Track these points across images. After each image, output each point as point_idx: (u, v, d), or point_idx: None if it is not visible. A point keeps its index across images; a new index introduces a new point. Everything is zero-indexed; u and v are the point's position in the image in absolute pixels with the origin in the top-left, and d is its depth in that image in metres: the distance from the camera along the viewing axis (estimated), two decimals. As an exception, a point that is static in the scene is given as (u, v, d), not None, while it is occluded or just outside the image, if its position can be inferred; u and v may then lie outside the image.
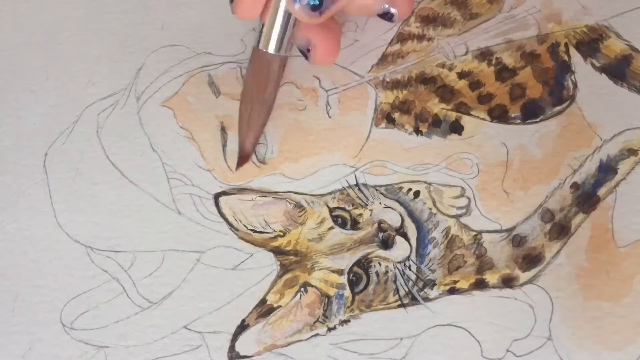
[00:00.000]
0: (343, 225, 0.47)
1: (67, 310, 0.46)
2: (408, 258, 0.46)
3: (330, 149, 0.50)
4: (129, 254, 0.47)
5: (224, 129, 0.50)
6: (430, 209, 0.48)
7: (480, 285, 0.46)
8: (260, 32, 0.47)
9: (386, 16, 0.47)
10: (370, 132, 0.50)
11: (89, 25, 0.55)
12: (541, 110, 0.50)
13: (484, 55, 0.52)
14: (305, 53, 0.47)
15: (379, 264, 0.46)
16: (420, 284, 0.46)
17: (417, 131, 0.50)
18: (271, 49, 0.47)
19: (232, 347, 0.45)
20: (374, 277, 0.46)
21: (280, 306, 0.46)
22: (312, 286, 0.46)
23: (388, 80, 0.52)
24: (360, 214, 0.47)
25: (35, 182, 0.50)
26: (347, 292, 0.46)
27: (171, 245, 0.47)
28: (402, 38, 0.53)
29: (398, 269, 0.46)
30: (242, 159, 0.49)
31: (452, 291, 0.45)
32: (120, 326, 0.46)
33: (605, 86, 0.51)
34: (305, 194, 0.48)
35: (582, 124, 0.50)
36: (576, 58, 0.52)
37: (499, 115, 0.50)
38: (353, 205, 0.48)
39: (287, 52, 0.48)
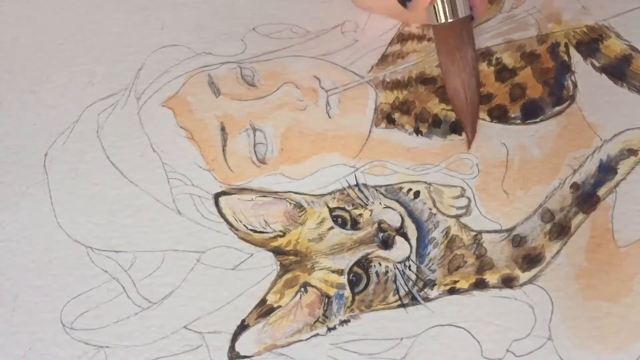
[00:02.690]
0: (343, 225, 0.47)
1: (67, 310, 0.46)
2: (408, 258, 0.46)
3: (330, 149, 0.50)
4: (129, 254, 0.47)
5: (224, 129, 0.50)
6: (430, 209, 0.48)
7: (480, 285, 0.46)
8: (437, 7, 0.48)
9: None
10: (370, 132, 0.50)
11: (89, 25, 0.55)
12: (541, 110, 0.50)
13: (484, 55, 0.52)
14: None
15: (379, 264, 0.46)
16: (420, 284, 0.46)
17: (417, 131, 0.50)
18: (461, 12, 0.48)
19: (232, 347, 0.45)
20: (374, 277, 0.46)
21: (280, 306, 0.46)
22: (312, 286, 0.46)
23: (388, 80, 0.52)
24: (360, 214, 0.47)
25: (35, 182, 0.50)
26: (347, 292, 0.46)
27: (171, 245, 0.47)
28: (402, 38, 0.53)
29: (398, 269, 0.46)
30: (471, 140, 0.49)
31: (452, 291, 0.45)
32: (120, 326, 0.46)
33: (605, 86, 0.51)
34: (305, 194, 0.48)
35: (582, 124, 0.50)
36: (576, 58, 0.52)
37: (499, 115, 0.50)
38: (353, 205, 0.48)
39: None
